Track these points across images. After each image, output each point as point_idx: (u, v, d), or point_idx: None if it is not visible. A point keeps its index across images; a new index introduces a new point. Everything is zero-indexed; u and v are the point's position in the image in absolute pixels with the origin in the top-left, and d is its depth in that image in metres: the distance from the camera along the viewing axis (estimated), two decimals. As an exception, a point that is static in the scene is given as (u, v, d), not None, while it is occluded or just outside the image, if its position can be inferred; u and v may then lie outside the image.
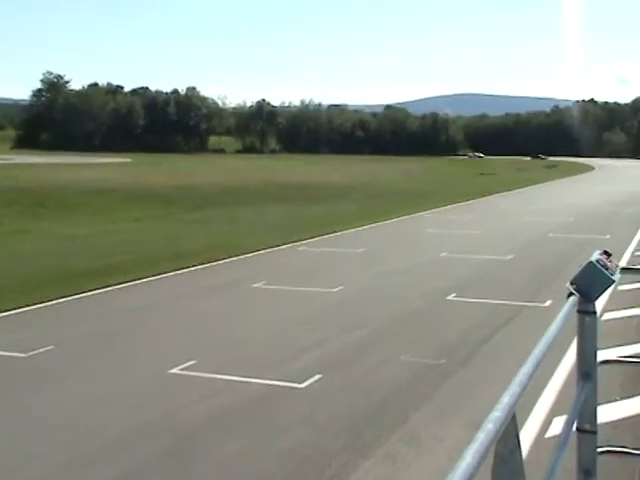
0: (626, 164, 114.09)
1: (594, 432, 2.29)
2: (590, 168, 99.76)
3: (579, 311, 2.25)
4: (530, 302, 14.10)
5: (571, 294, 2.26)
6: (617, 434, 6.93)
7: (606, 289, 2.33)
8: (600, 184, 60.95)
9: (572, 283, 2.30)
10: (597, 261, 2.31)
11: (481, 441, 1.30)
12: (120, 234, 26.21)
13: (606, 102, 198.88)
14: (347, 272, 18.03)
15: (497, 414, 1.41)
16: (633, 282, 12.96)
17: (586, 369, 2.30)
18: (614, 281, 2.33)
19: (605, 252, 2.42)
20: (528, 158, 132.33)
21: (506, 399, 1.48)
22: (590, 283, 2.30)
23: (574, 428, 2.17)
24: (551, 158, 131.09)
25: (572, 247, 21.48)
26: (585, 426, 2.24)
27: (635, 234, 24.28)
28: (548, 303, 13.81)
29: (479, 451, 1.27)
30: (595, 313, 2.33)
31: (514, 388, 1.54)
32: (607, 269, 2.31)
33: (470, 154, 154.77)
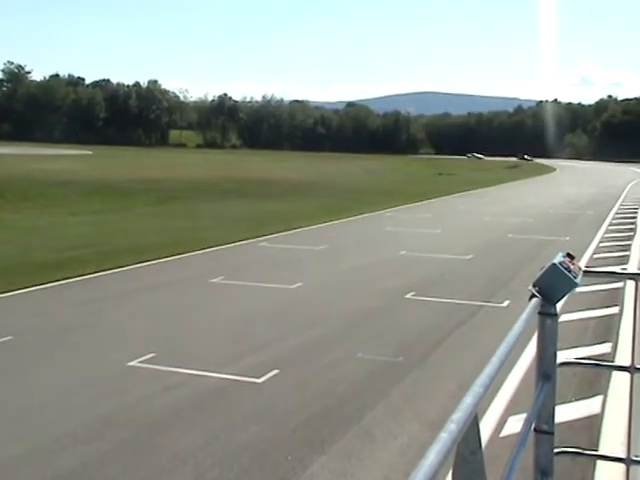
0: (587, 166, 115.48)
1: (551, 433, 2.31)
2: (552, 169, 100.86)
3: (540, 313, 2.25)
4: (488, 302, 14.22)
5: (533, 296, 2.26)
6: (572, 435, 7.01)
7: (568, 292, 2.33)
8: (561, 185, 61.62)
9: (534, 285, 2.30)
10: (560, 263, 2.31)
11: (444, 441, 1.30)
12: (80, 227, 26.01)
13: (569, 103, 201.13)
14: (306, 269, 18.05)
15: (459, 414, 1.41)
16: (592, 284, 13.11)
17: (545, 370, 2.31)
18: (577, 284, 2.33)
19: (568, 254, 2.42)
20: (514, 159, 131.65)
21: (468, 399, 1.48)
22: (552, 285, 2.29)
23: (532, 428, 2.18)
24: (538, 160, 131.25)
25: (531, 248, 21.73)
26: (543, 427, 2.25)
27: (595, 236, 24.57)
28: (506, 303, 13.95)
29: (442, 451, 1.27)
30: (556, 315, 2.34)
31: (476, 389, 1.54)
32: (570, 272, 2.31)
33: (469, 155, 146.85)
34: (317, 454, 7.19)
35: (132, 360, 10.11)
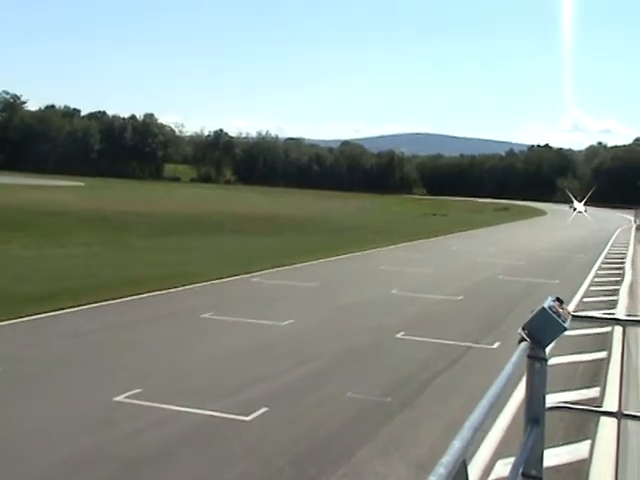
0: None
1: (540, 478, 2.30)
2: (542, 212, 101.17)
3: (529, 356, 2.25)
4: (478, 343, 14.22)
5: (523, 339, 2.26)
6: (560, 479, 6.99)
7: (557, 336, 2.34)
8: (552, 229, 61.86)
9: (524, 328, 2.30)
10: (549, 307, 2.31)
11: None
12: (70, 258, 25.89)
13: (561, 148, 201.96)
14: (298, 306, 18.03)
15: (448, 459, 1.40)
16: (580, 328, 13.13)
17: (534, 414, 2.30)
18: (566, 328, 2.33)
19: (557, 299, 2.42)
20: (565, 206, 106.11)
21: (457, 444, 1.48)
22: (542, 329, 2.29)
23: (520, 473, 2.16)
24: (582, 207, 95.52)
25: (521, 290, 21.78)
26: (531, 472, 2.23)
27: (584, 280, 24.65)
28: (496, 345, 13.95)
29: None
30: (545, 360, 2.34)
31: (465, 433, 1.53)
32: (559, 316, 2.31)
33: (571, 206, 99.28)
34: (304, 494, 7.14)
35: (118, 395, 10.02)
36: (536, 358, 2.28)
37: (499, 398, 1.75)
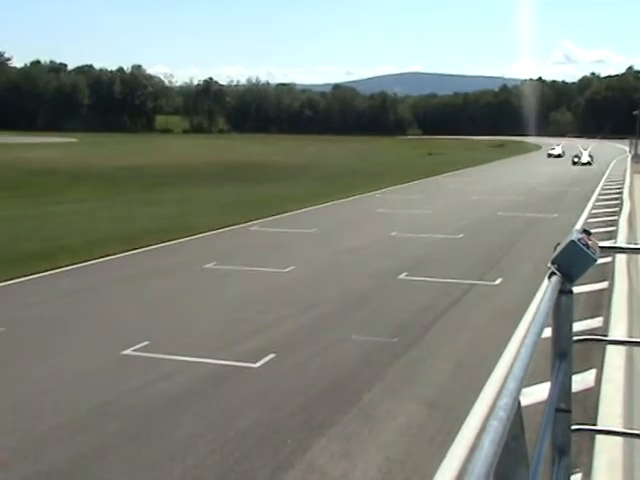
0: (572, 143, 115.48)
1: (569, 411, 2.29)
2: (537, 147, 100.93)
3: (558, 290, 2.21)
4: (481, 280, 14.25)
5: (553, 274, 2.22)
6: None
7: (587, 268, 2.30)
8: (547, 164, 61.70)
9: (553, 262, 2.26)
10: (579, 240, 2.27)
11: (495, 428, 1.26)
12: (67, 215, 25.84)
13: (554, 81, 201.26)
14: (299, 252, 18.03)
15: (506, 400, 1.36)
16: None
17: (562, 348, 2.28)
18: (596, 260, 2.29)
19: (585, 231, 2.37)
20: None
21: (511, 384, 1.44)
22: (571, 263, 2.25)
23: (555, 408, 2.15)
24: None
25: (521, 225, 21.82)
26: (561, 405, 2.22)
27: (582, 213, 24.69)
28: (498, 281, 14.01)
29: (495, 440, 1.23)
30: (571, 292, 2.30)
31: (517, 372, 1.49)
32: (589, 248, 2.27)
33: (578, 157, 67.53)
34: (317, 437, 7.20)
35: (126, 349, 10.06)
36: (563, 292, 2.24)
37: (540, 336, 1.71)
